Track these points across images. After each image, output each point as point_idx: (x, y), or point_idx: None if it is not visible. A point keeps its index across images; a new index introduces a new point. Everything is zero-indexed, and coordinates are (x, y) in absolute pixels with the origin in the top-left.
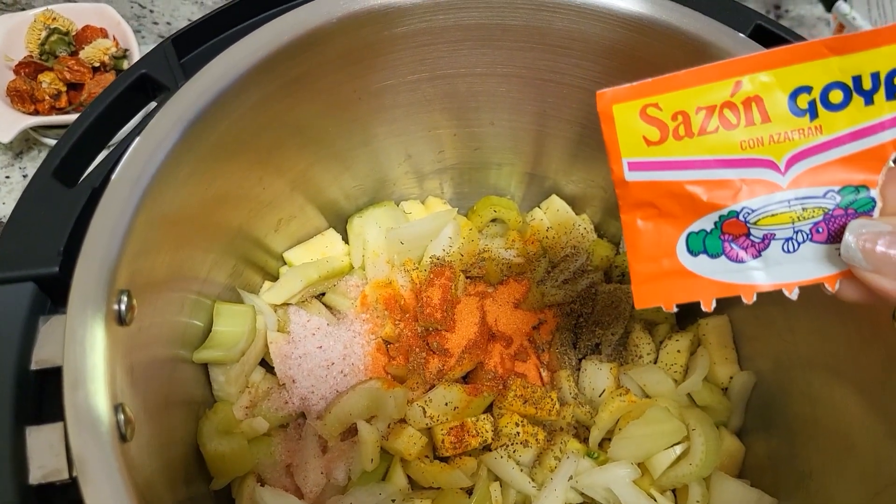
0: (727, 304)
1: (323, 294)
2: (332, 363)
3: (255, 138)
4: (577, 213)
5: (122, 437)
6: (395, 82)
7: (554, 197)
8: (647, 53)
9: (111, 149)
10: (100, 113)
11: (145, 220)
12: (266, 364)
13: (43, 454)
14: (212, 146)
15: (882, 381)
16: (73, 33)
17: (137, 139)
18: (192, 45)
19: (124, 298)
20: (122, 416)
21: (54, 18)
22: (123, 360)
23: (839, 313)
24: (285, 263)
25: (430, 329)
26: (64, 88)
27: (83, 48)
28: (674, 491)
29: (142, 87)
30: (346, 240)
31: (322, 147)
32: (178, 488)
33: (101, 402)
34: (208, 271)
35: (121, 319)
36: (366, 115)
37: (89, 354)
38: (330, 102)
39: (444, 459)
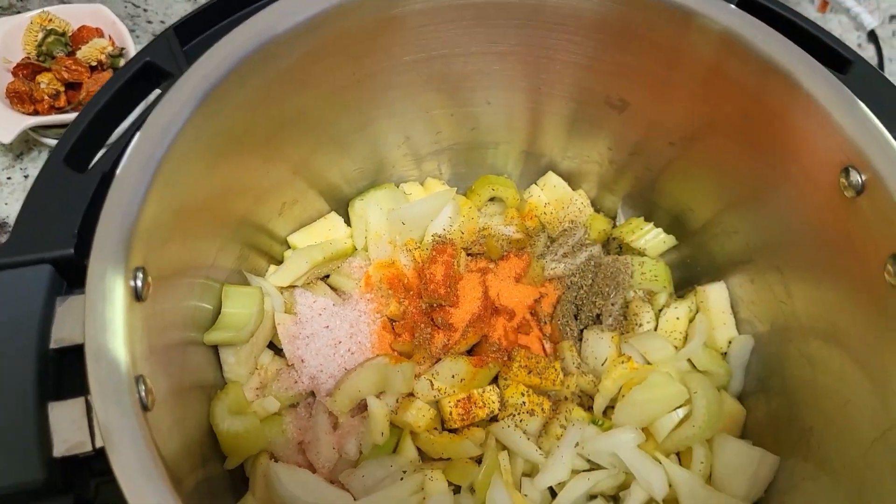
0: (724, 270)
1: (328, 276)
2: (340, 342)
3: (258, 124)
4: (573, 189)
5: (145, 407)
6: (391, 64)
7: (550, 174)
8: (638, 27)
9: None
10: (108, 100)
11: (156, 201)
12: (274, 347)
13: (66, 428)
14: (216, 131)
15: (869, 341)
16: (70, 34)
17: (147, 122)
18: (194, 33)
19: (140, 275)
20: (142, 387)
21: (50, 20)
22: (141, 336)
23: (835, 276)
24: (290, 247)
25: (435, 305)
26: (62, 88)
27: (80, 48)
28: (678, 454)
29: (146, 75)
30: (348, 222)
31: (322, 132)
32: (197, 469)
33: (122, 372)
34: (216, 256)
35: (137, 295)
36: (363, 99)
37: (109, 327)
38: (329, 86)
39: (453, 431)
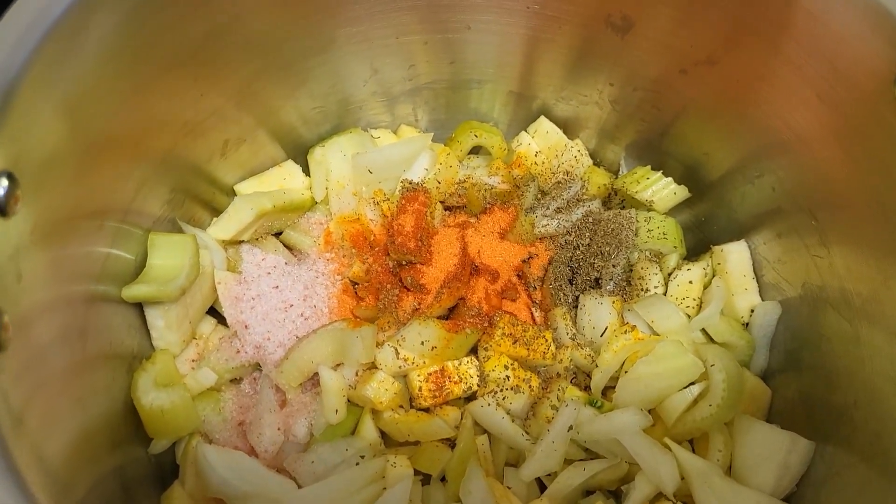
0: (746, 227)
1: (281, 234)
2: (291, 305)
3: (179, 29)
4: (569, 138)
5: None
6: None
7: (542, 118)
8: None
9: None
10: None
11: (33, 89)
12: (219, 315)
13: None
14: (124, 24)
15: None
16: None
17: None
18: None
19: (4, 181)
20: None
21: None
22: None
23: (884, 213)
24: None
25: (404, 263)
26: None
27: None
28: (691, 441)
29: None
30: (307, 172)
31: (269, 51)
32: (102, 456)
33: None
34: (134, 196)
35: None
36: (320, 13)
37: None
38: None
39: (424, 411)
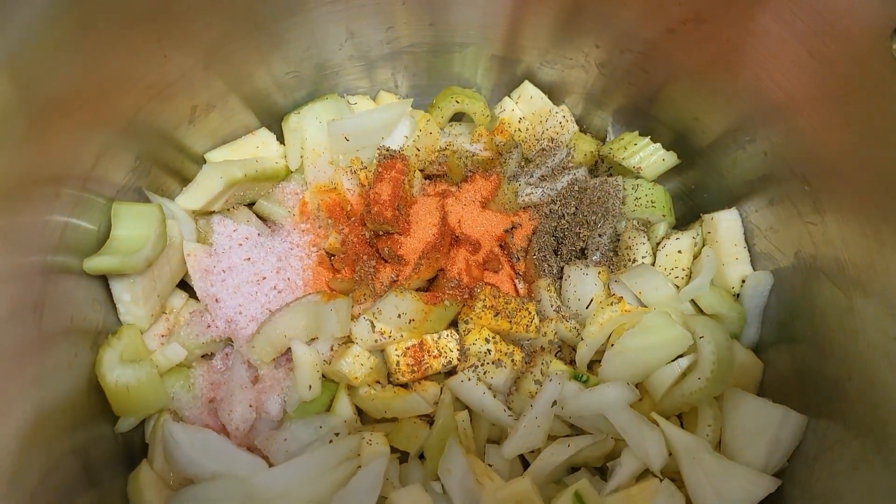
0: (736, 194)
1: (254, 204)
2: (264, 278)
3: None
4: (555, 104)
5: None
6: None
7: (526, 83)
8: None
9: None
10: None
11: None
12: (192, 288)
13: None
14: None
15: None
16: None
17: None
18: None
19: None
20: None
21: None
22: None
23: (882, 175)
24: None
25: (381, 233)
26: None
27: None
28: (680, 416)
29: None
30: (282, 140)
31: (238, 12)
32: (62, 437)
33: None
34: (95, 163)
35: None
36: None
37: None
38: None
39: (402, 387)
